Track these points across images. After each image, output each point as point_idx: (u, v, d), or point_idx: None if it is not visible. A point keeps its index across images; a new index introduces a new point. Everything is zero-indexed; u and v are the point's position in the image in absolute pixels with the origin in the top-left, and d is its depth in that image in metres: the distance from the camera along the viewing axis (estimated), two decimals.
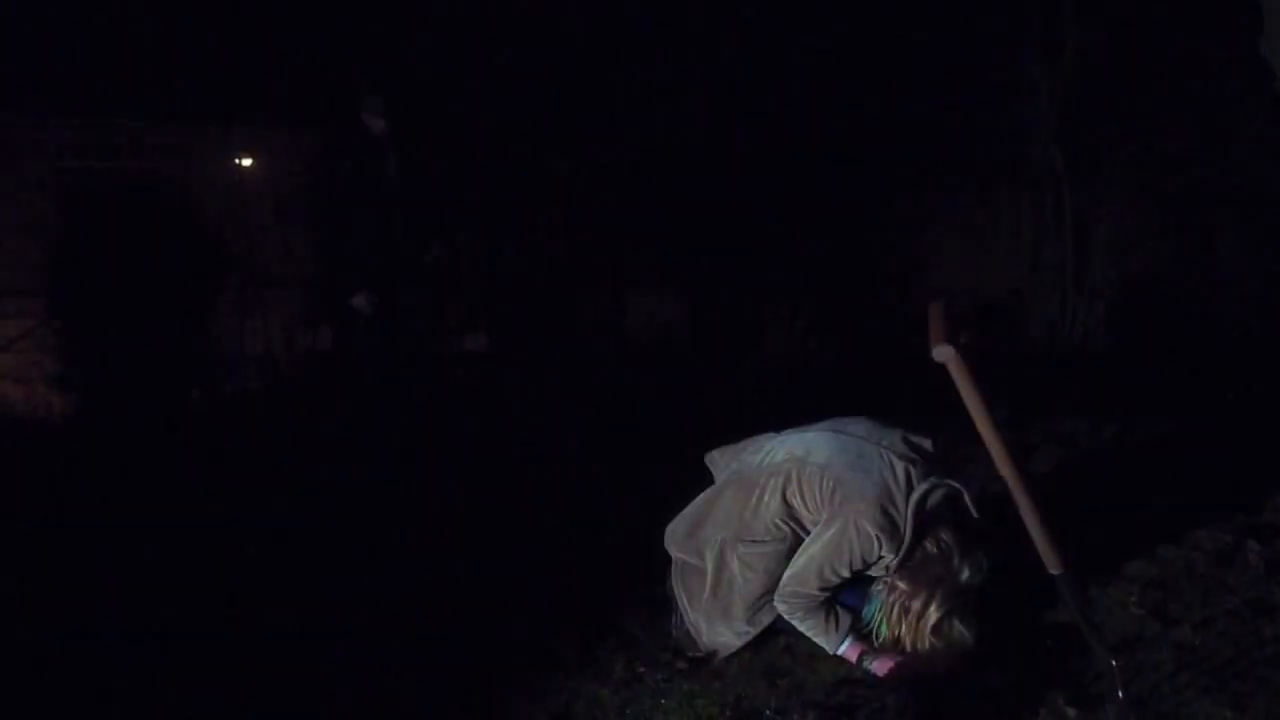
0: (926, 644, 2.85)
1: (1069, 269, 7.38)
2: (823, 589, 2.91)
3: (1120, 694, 2.67)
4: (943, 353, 2.61)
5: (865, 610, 2.96)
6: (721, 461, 3.27)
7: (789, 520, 2.98)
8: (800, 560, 2.94)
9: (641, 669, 2.98)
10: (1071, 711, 2.67)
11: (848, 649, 2.95)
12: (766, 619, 3.04)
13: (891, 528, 2.83)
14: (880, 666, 2.89)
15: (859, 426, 3.03)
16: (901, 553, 2.85)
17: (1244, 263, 7.77)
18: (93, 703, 2.89)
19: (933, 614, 2.82)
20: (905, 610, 2.85)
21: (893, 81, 8.03)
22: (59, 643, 3.21)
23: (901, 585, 2.86)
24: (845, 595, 3.01)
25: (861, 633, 2.97)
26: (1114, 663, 2.70)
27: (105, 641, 3.21)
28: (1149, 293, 7.56)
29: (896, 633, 2.88)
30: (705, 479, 3.28)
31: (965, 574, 2.85)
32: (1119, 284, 7.24)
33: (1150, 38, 7.16)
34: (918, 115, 7.99)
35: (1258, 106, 7.07)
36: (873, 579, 2.99)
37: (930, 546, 2.85)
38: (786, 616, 2.99)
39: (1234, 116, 7.40)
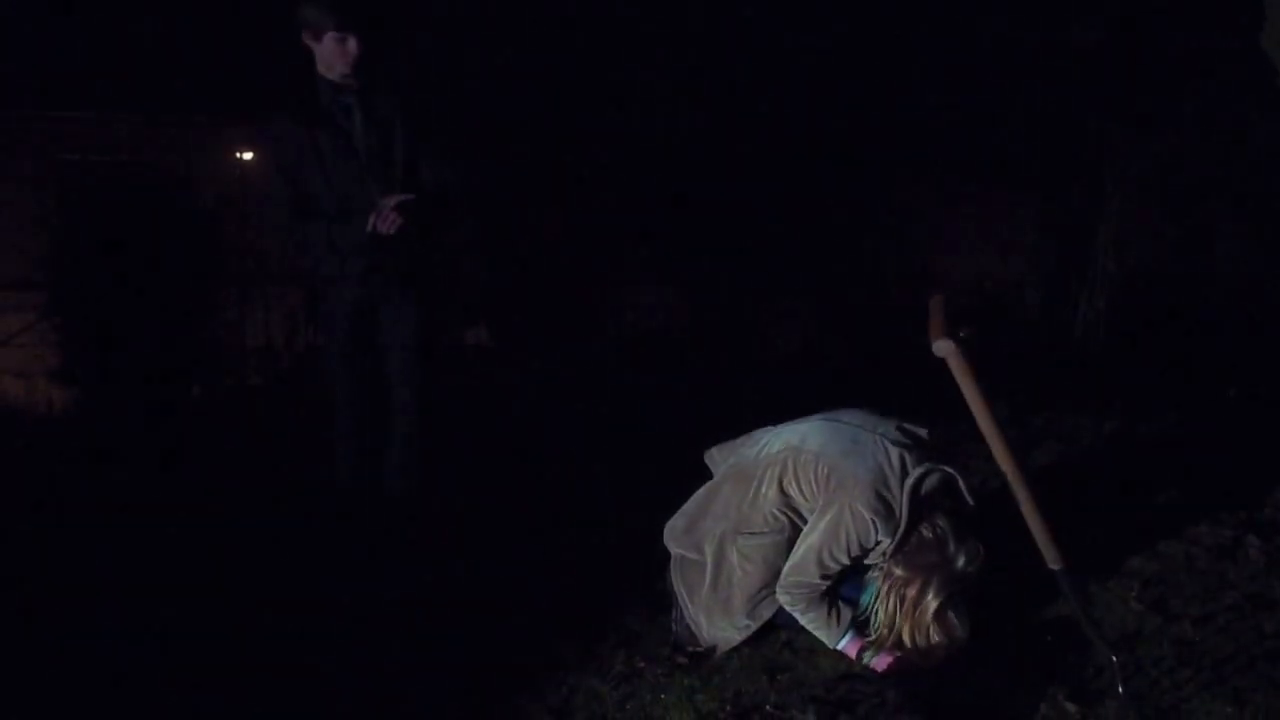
0: (924, 631, 2.85)
1: (1070, 265, 7.37)
2: (824, 577, 2.92)
3: (1120, 689, 2.67)
4: (943, 348, 2.61)
5: (862, 597, 2.97)
6: (720, 458, 3.28)
7: (786, 509, 2.99)
8: (800, 549, 2.95)
9: (641, 664, 2.98)
10: (1071, 707, 2.67)
11: (848, 644, 2.95)
12: (767, 612, 3.05)
13: (887, 511, 2.83)
14: (880, 662, 2.89)
15: (854, 416, 3.05)
16: (897, 537, 2.85)
17: (1245, 258, 7.78)
18: (93, 703, 2.89)
19: (930, 601, 2.83)
20: (901, 598, 2.86)
21: (894, 80, 8.03)
22: (59, 641, 3.21)
23: (898, 571, 2.86)
24: (847, 590, 3.01)
25: (858, 619, 2.97)
26: (1114, 658, 2.71)
27: (105, 641, 3.21)
28: (1150, 289, 7.56)
29: (893, 620, 2.88)
30: (704, 477, 3.28)
31: (961, 561, 2.85)
32: (1120, 280, 7.24)
33: (1152, 34, 7.15)
34: (919, 114, 8.00)
35: (1259, 102, 7.06)
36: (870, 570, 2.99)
37: (926, 532, 2.86)
38: (788, 608, 2.99)
39: (1235, 113, 7.40)
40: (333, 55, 3.63)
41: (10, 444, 5.96)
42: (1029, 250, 7.70)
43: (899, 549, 2.87)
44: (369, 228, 3.57)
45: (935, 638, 2.85)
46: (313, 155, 3.68)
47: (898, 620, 2.87)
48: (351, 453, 3.95)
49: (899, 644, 2.89)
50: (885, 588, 2.89)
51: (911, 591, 2.84)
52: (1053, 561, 2.78)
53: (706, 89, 8.28)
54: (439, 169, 3.77)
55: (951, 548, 2.85)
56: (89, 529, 4.20)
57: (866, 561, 2.96)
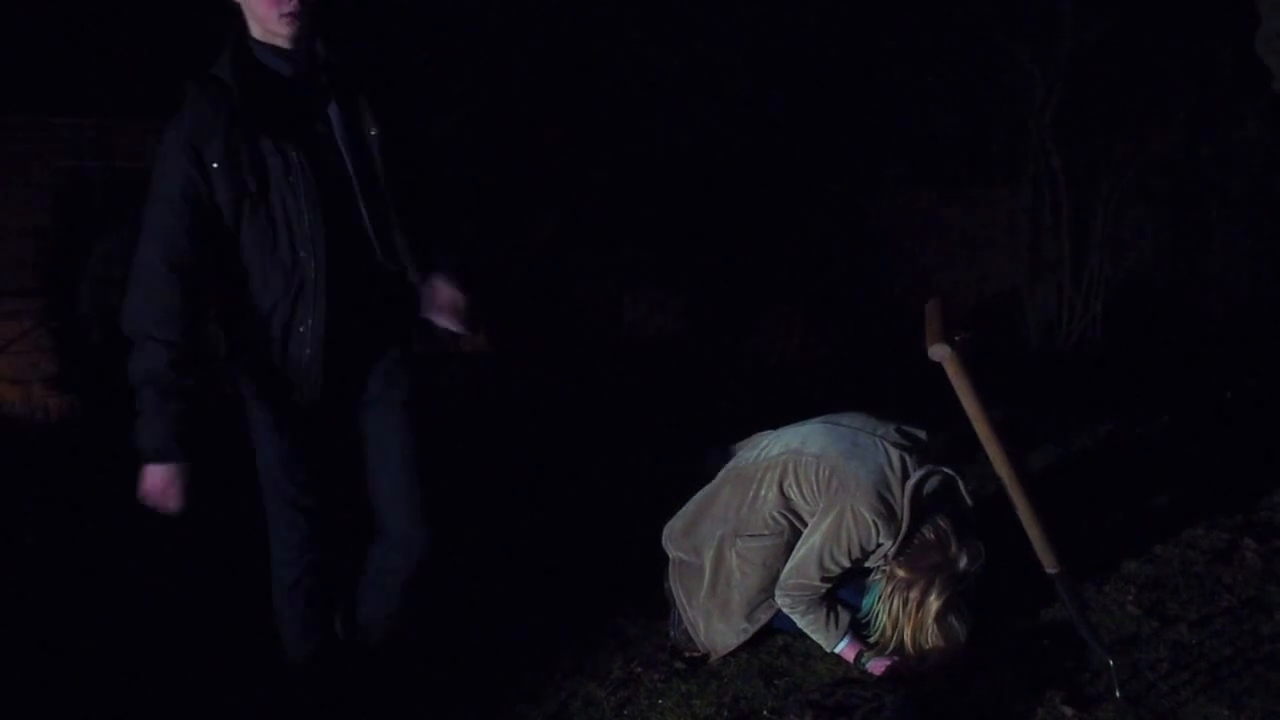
0: (926, 632, 2.84)
1: (1066, 268, 7.38)
2: (824, 579, 2.92)
3: (1117, 693, 2.68)
4: (939, 352, 2.62)
5: (864, 601, 2.97)
6: (719, 461, 3.28)
7: (787, 512, 2.99)
8: (800, 551, 2.95)
9: (638, 669, 2.98)
10: (1069, 711, 2.67)
11: (846, 648, 2.96)
12: (765, 616, 3.05)
13: (889, 513, 2.84)
14: (877, 666, 2.89)
15: (854, 419, 3.05)
16: (899, 539, 2.85)
17: (1241, 261, 7.79)
18: (92, 704, 2.89)
19: (932, 602, 2.83)
20: (905, 600, 2.85)
21: (890, 80, 8.04)
22: (58, 644, 3.21)
23: (900, 573, 2.86)
24: (846, 594, 3.01)
25: (860, 622, 2.97)
26: (1111, 662, 2.71)
27: (103, 642, 3.21)
28: (1146, 291, 7.56)
29: (896, 622, 2.88)
30: (703, 481, 3.28)
31: (963, 561, 2.85)
32: (1116, 283, 7.24)
33: (1148, 36, 7.16)
34: (915, 114, 8.00)
35: (1254, 105, 7.08)
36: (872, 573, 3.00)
37: (928, 533, 2.86)
38: (788, 611, 2.99)
39: (1231, 115, 7.42)
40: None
41: (7, 451, 5.95)
42: (1025, 252, 7.70)
43: (901, 551, 2.87)
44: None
45: (936, 639, 2.85)
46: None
47: (900, 621, 2.87)
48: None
49: (900, 646, 2.89)
50: (888, 590, 2.88)
51: (915, 593, 2.85)
52: (1049, 565, 2.78)
53: (706, 88, 8.29)
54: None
55: (954, 548, 2.85)
56: (87, 534, 4.20)
57: (867, 564, 2.97)
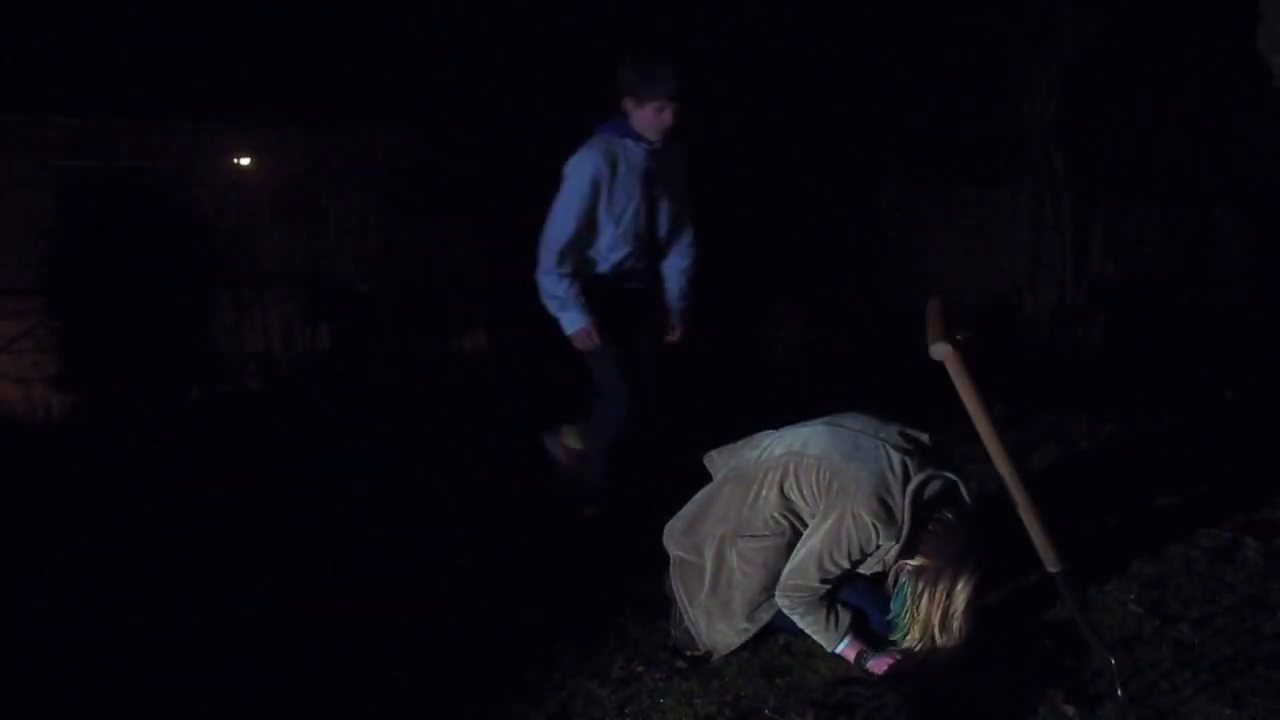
0: (953, 620, 2.81)
1: (1067, 267, 7.38)
2: (823, 581, 2.91)
3: (1119, 692, 2.67)
4: (940, 350, 2.62)
5: (892, 604, 2.93)
6: (720, 461, 3.28)
7: (787, 513, 2.99)
8: (800, 553, 2.94)
9: (640, 668, 2.98)
10: (1070, 709, 2.67)
11: (846, 647, 2.95)
12: (766, 616, 3.04)
13: (888, 516, 2.83)
14: (878, 665, 2.89)
15: (856, 421, 3.04)
16: (902, 540, 2.84)
17: (1241, 260, 7.79)
18: (92, 705, 2.89)
19: (961, 589, 2.79)
20: (934, 592, 2.82)
21: (892, 82, 8.04)
22: (58, 644, 3.21)
23: (929, 563, 2.82)
24: (846, 594, 3.01)
25: (887, 623, 2.95)
26: (1112, 660, 2.71)
27: (103, 642, 3.21)
28: (1147, 290, 7.57)
29: (925, 615, 2.83)
30: (703, 480, 3.28)
31: (979, 545, 2.83)
32: (1117, 282, 7.25)
33: (1148, 36, 7.17)
34: (917, 115, 8.01)
35: (1254, 104, 7.08)
36: (873, 576, 2.99)
37: (948, 515, 2.84)
38: (787, 612, 2.99)
39: (1230, 114, 7.42)
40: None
41: (8, 449, 5.95)
42: (1027, 251, 7.71)
43: (922, 545, 2.84)
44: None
45: (962, 628, 2.82)
46: None
47: (930, 613, 2.84)
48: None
49: (924, 638, 2.86)
50: (919, 587, 2.84)
51: (944, 582, 2.81)
52: (1051, 564, 2.78)
53: (706, 89, 8.29)
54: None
55: (974, 531, 2.83)
56: (86, 532, 4.20)
57: (865, 571, 2.96)
